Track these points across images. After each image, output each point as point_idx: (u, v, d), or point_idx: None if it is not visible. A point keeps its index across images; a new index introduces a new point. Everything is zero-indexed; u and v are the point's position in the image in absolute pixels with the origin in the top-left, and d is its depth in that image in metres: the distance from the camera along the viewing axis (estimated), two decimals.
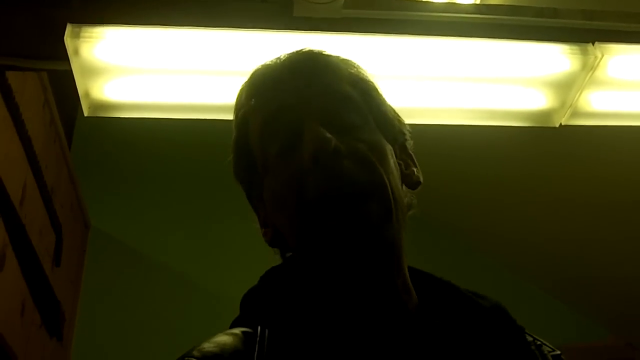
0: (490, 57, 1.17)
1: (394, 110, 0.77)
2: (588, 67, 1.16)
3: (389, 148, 0.70)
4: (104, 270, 2.16)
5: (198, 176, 2.43)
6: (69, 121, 2.03)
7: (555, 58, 1.17)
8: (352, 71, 0.75)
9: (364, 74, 0.76)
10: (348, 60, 0.77)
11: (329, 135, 0.65)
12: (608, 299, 2.78)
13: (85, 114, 1.11)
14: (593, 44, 1.17)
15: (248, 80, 0.76)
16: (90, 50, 1.05)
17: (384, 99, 0.77)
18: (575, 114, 1.22)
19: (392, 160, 0.69)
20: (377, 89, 0.76)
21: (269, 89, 0.72)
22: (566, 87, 1.19)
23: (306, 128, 0.66)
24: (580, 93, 1.19)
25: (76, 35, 1.03)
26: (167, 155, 2.40)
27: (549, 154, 2.33)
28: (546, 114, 1.23)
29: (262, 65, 0.76)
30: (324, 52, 0.76)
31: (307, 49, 0.76)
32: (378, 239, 0.63)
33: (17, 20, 1.11)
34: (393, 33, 1.14)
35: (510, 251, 2.75)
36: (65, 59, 1.04)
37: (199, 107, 1.14)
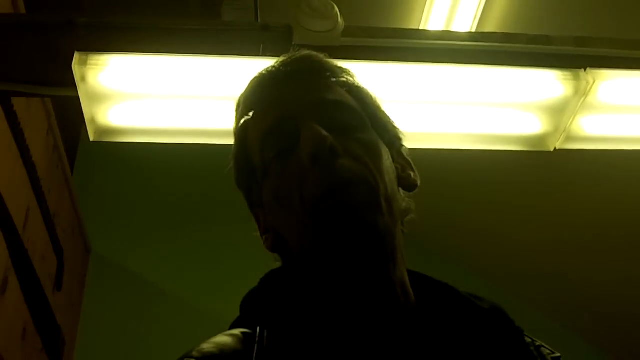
0: (485, 83, 1.19)
1: (389, 117, 0.79)
2: (580, 93, 1.19)
3: (384, 149, 0.72)
4: (105, 295, 2.16)
5: (199, 202, 2.44)
6: (71, 146, 2.06)
7: (549, 84, 1.19)
8: (349, 78, 0.77)
9: (359, 82, 0.78)
10: (344, 67, 0.78)
11: (325, 133, 0.66)
12: (608, 323, 2.78)
13: (91, 139, 1.13)
14: (585, 70, 1.20)
15: (247, 87, 0.78)
16: (96, 77, 1.07)
17: (379, 105, 0.78)
18: (569, 138, 1.25)
19: (387, 161, 0.70)
20: (372, 96, 0.78)
21: (268, 97, 0.74)
22: (559, 112, 1.21)
23: (303, 127, 0.67)
24: (574, 118, 1.22)
25: (83, 63, 1.06)
26: (167, 181, 2.41)
27: (547, 177, 2.34)
28: (541, 139, 1.25)
29: (260, 73, 0.77)
30: (320, 57, 0.77)
31: (304, 53, 0.77)
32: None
33: (25, 47, 1.13)
34: (390, 60, 1.17)
35: (509, 275, 2.75)
36: (72, 85, 1.07)
37: (201, 132, 1.16)
